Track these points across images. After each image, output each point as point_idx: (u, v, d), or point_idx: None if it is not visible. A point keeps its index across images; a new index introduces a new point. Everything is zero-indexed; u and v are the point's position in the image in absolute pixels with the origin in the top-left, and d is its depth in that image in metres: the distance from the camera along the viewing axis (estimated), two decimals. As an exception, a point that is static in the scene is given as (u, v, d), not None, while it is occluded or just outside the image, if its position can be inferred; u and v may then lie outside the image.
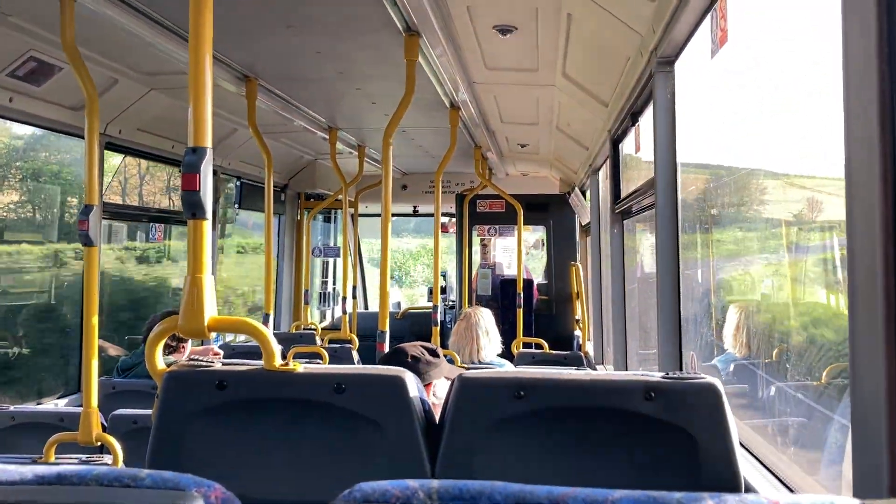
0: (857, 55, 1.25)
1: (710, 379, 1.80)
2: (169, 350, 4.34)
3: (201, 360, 1.89)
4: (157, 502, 0.78)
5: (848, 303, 1.22)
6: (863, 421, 1.17)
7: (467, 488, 0.78)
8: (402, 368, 1.94)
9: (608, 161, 4.96)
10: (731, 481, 1.72)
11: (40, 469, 0.83)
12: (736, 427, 1.79)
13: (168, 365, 1.95)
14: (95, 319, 3.04)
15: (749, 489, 2.03)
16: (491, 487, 0.78)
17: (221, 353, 4.77)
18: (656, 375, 1.82)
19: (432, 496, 0.77)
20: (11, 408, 3.62)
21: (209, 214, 1.95)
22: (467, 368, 4.27)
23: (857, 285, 1.22)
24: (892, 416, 1.11)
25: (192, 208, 1.91)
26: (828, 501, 0.73)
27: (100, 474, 0.82)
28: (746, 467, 2.18)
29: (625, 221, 4.97)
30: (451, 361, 4.37)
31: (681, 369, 2.95)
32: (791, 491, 2.22)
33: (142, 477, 0.82)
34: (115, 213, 5.26)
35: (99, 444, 2.95)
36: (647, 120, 3.75)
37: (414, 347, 2.85)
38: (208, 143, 1.90)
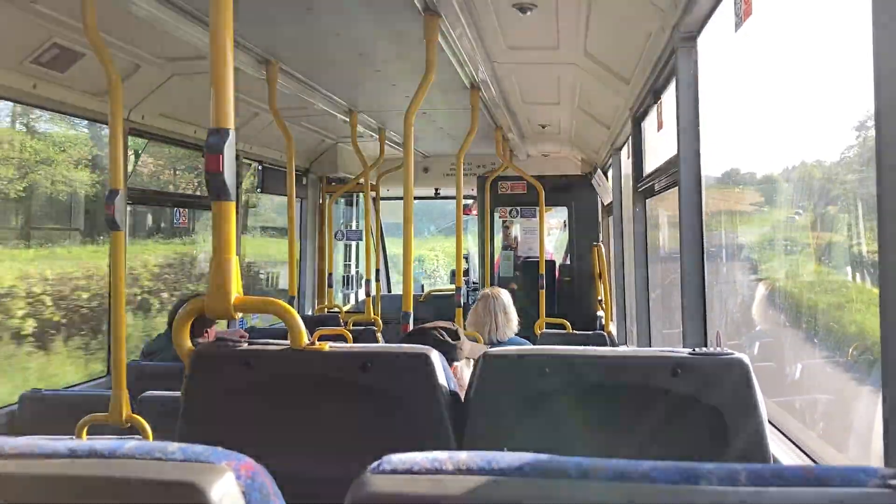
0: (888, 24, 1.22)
1: (737, 354, 1.78)
2: (195, 334, 4.38)
3: (228, 340, 1.91)
4: (187, 475, 0.78)
5: (880, 274, 1.20)
6: (894, 391, 1.15)
7: (496, 460, 0.78)
8: (428, 346, 1.94)
9: (630, 140, 4.91)
10: (759, 457, 1.71)
11: (73, 443, 0.85)
12: (764, 403, 1.78)
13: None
14: (123, 302, 3.08)
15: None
16: (520, 459, 0.78)
17: (247, 335, 4.81)
18: (683, 352, 1.81)
19: (461, 467, 0.77)
20: (43, 390, 3.68)
21: (234, 196, 1.96)
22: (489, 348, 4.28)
23: (889, 257, 1.20)
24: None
25: (217, 190, 1.93)
26: (859, 470, 0.72)
27: (131, 448, 0.83)
28: (775, 443, 2.16)
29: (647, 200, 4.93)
30: (474, 341, 4.38)
31: (706, 346, 2.93)
32: None
33: (172, 450, 0.83)
34: (140, 198, 5.30)
35: (129, 425, 2.99)
36: (669, 97, 3.70)
37: (435, 329, 2.85)
38: (231, 124, 1.91)
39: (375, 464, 0.80)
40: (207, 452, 0.83)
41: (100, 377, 4.77)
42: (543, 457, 0.78)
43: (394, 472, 0.78)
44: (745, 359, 1.76)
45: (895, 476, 0.70)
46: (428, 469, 0.77)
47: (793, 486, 0.71)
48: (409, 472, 0.77)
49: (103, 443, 0.84)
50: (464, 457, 0.79)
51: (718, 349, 1.82)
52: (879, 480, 0.70)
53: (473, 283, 9.88)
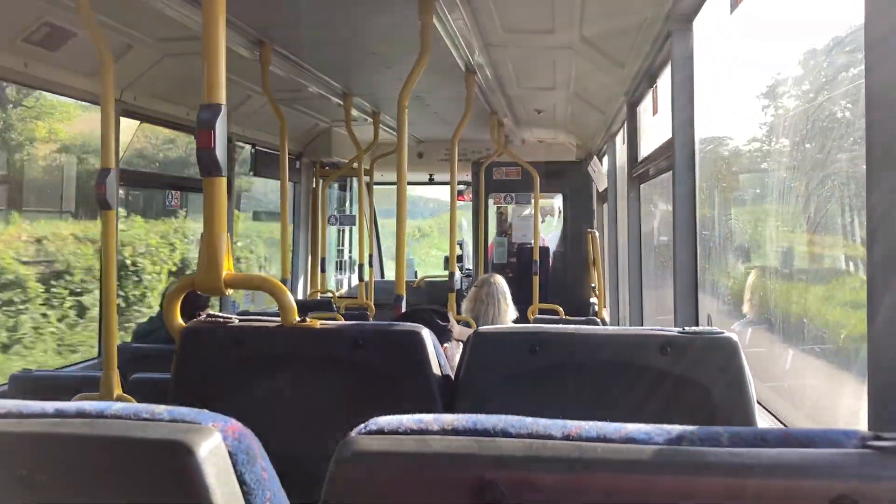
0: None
1: (726, 333, 1.79)
2: (188, 318, 4.37)
3: (219, 317, 1.91)
4: (174, 435, 0.79)
5: (867, 239, 1.21)
6: (879, 359, 1.16)
7: (481, 421, 0.79)
8: (418, 325, 1.95)
9: (625, 124, 4.91)
10: None
11: (60, 404, 0.85)
12: (752, 381, 1.78)
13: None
14: (114, 283, 3.07)
15: None
16: (505, 421, 0.79)
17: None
18: (673, 330, 1.82)
19: (446, 428, 0.77)
20: (34, 371, 3.68)
21: (225, 172, 1.95)
22: None
23: (876, 227, 1.21)
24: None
25: (208, 166, 1.92)
26: (840, 432, 0.73)
27: (119, 409, 0.84)
28: (763, 422, 2.18)
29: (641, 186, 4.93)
30: (467, 326, 4.39)
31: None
32: None
33: (160, 412, 0.84)
34: (132, 178, 5.28)
35: None
36: (664, 81, 3.70)
37: (428, 311, 2.86)
38: (223, 99, 1.90)
39: (362, 425, 0.80)
40: (194, 414, 0.83)
41: (92, 359, 4.77)
42: (528, 419, 0.79)
43: (380, 432, 0.78)
44: (734, 337, 1.77)
45: (874, 437, 0.71)
46: (413, 430, 0.78)
47: (773, 447, 0.72)
48: (395, 432, 0.78)
49: (92, 403, 0.84)
50: (450, 418, 0.79)
51: (707, 328, 1.82)
52: (858, 441, 0.71)
53: (467, 269, 9.89)
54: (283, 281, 5.26)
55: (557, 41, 4.48)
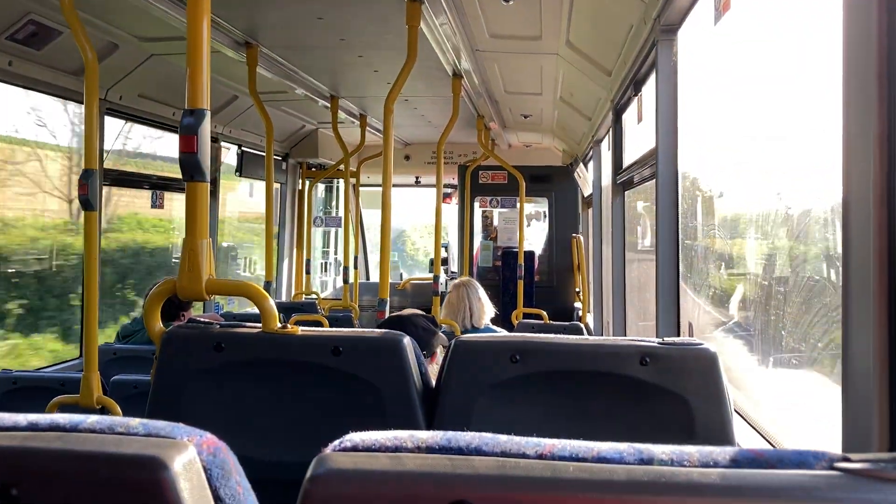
0: (858, 22, 1.24)
1: (705, 345, 1.81)
2: (169, 319, 4.34)
3: (200, 322, 1.90)
4: (148, 450, 0.78)
5: (842, 266, 1.23)
6: (853, 381, 1.18)
7: (456, 439, 0.79)
8: (400, 332, 1.95)
9: (611, 131, 4.93)
10: (724, 445, 1.73)
11: (34, 416, 0.84)
12: (730, 392, 1.80)
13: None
14: (96, 284, 3.06)
15: None
16: (479, 439, 0.79)
17: (222, 319, 4.79)
18: (653, 341, 1.83)
19: (420, 445, 0.78)
20: (14, 371, 3.65)
21: (208, 177, 1.95)
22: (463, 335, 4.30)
23: (851, 251, 1.23)
24: (882, 376, 1.12)
25: (191, 170, 1.92)
26: (809, 454, 0.74)
27: (93, 422, 0.83)
28: (741, 433, 2.20)
29: (626, 192, 4.96)
30: (451, 331, 4.40)
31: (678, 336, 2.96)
32: None
33: (134, 426, 0.83)
34: (115, 178, 5.25)
35: (100, 407, 2.98)
36: (649, 89, 3.72)
37: (415, 317, 2.86)
38: (206, 104, 1.90)
39: (337, 442, 0.81)
40: (169, 428, 0.83)
41: (73, 359, 4.74)
42: (502, 437, 0.79)
43: (354, 449, 0.79)
44: (713, 348, 1.79)
45: (842, 459, 0.72)
46: (388, 447, 0.78)
47: (742, 468, 0.73)
48: (370, 449, 0.78)
49: (65, 416, 0.84)
50: (424, 436, 0.80)
51: (687, 339, 1.84)
52: (826, 463, 0.72)
53: (452, 272, 9.90)
54: (268, 283, 5.25)
55: (544, 47, 4.50)
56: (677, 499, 0.70)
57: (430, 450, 0.78)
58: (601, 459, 0.75)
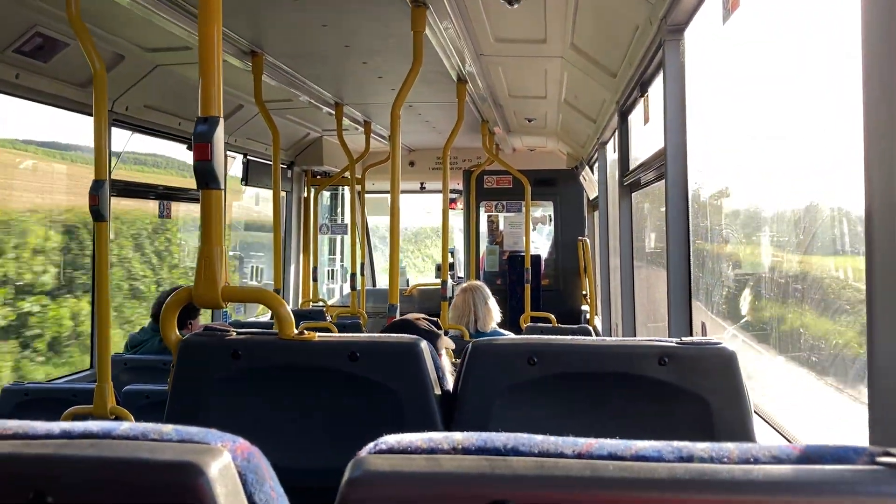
0: (880, 23, 1.23)
1: (723, 344, 1.80)
2: (178, 328, 4.33)
3: (216, 330, 1.90)
4: (184, 456, 0.78)
5: (866, 254, 1.22)
6: (879, 378, 1.17)
7: (491, 440, 0.79)
8: (416, 336, 1.94)
9: (616, 133, 4.93)
10: None
11: (66, 424, 0.84)
12: (750, 392, 1.79)
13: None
14: (107, 293, 3.06)
15: None
16: (515, 439, 0.79)
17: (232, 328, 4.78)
18: (671, 341, 1.82)
19: (456, 447, 0.77)
20: (26, 383, 3.65)
21: (222, 185, 1.95)
22: (471, 338, 4.30)
23: (874, 245, 1.22)
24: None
25: (205, 178, 1.91)
26: (849, 448, 0.73)
27: (126, 430, 0.83)
28: (761, 432, 2.19)
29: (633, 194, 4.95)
30: (458, 335, 4.39)
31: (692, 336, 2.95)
32: None
33: (167, 432, 0.83)
34: (123, 189, 5.26)
35: (113, 417, 2.98)
36: (656, 90, 3.72)
37: (419, 320, 2.86)
38: (219, 111, 1.89)
39: (372, 444, 0.80)
40: (203, 434, 0.83)
41: (84, 370, 4.74)
42: (538, 437, 0.79)
43: (390, 451, 0.78)
44: (731, 348, 1.78)
45: (883, 454, 0.72)
46: (424, 449, 0.78)
47: (783, 464, 0.72)
48: (406, 451, 0.78)
49: (97, 424, 0.84)
50: (459, 437, 0.79)
51: (705, 339, 1.83)
52: (867, 458, 0.72)
53: (459, 277, 9.90)
54: (276, 290, 5.25)
55: (549, 51, 4.50)
56: (721, 496, 0.69)
57: (466, 451, 0.77)
58: (640, 458, 0.74)
